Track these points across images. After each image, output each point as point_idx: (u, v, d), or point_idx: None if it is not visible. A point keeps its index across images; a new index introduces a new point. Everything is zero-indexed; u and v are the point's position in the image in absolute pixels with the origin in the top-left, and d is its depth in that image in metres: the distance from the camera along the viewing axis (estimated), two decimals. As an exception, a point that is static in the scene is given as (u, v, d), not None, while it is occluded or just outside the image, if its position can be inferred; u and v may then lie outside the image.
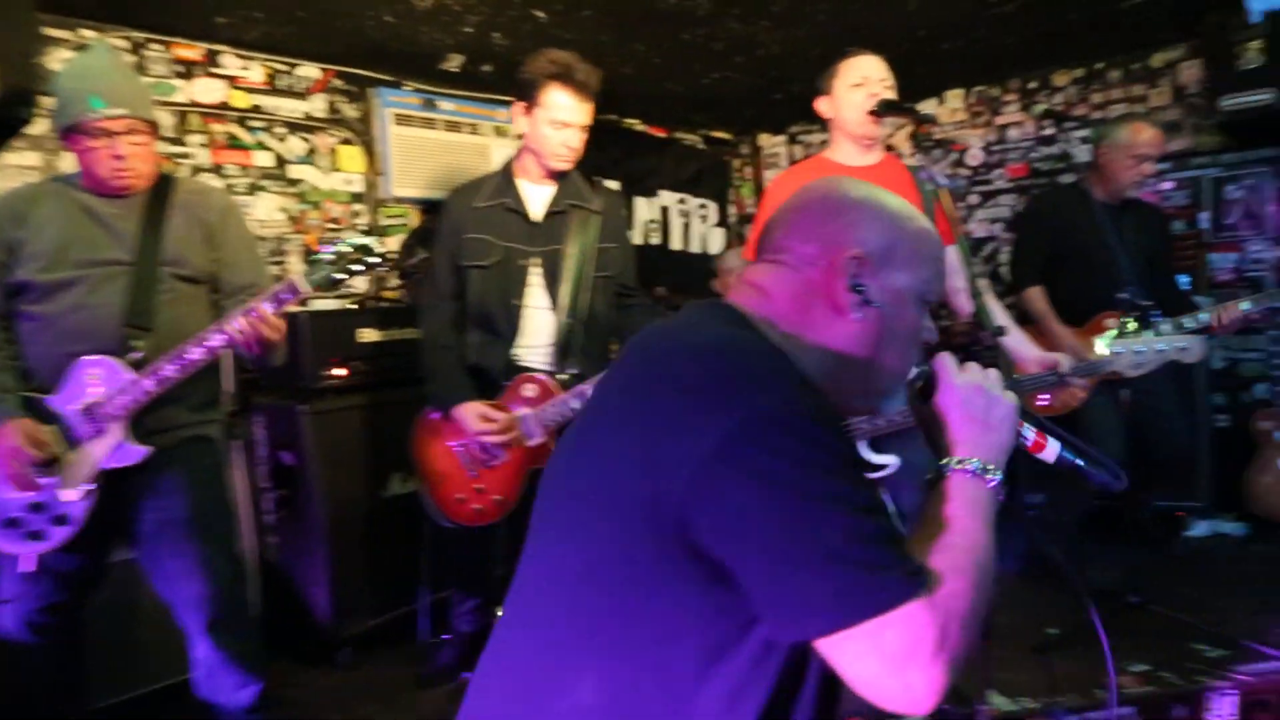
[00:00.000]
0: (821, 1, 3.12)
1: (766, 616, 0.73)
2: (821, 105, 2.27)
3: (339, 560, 2.72)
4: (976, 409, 0.87)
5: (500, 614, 0.94)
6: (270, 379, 2.86)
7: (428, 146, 3.72)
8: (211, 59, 3.19)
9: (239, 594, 2.01)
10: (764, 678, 0.76)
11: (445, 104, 3.80)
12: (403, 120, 3.66)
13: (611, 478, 0.78)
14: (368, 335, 2.89)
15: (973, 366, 0.92)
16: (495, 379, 2.32)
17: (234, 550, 2.01)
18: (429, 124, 3.74)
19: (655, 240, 4.83)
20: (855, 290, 0.87)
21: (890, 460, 2.07)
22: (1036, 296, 2.87)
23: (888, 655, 0.68)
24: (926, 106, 4.51)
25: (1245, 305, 2.81)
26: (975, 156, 4.38)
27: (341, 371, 2.80)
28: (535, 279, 2.32)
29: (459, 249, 2.31)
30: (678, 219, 4.95)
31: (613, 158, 4.61)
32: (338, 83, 3.52)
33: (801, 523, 0.70)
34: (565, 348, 2.30)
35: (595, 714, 0.77)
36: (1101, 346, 2.02)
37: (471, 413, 2.26)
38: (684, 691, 0.75)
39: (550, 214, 2.34)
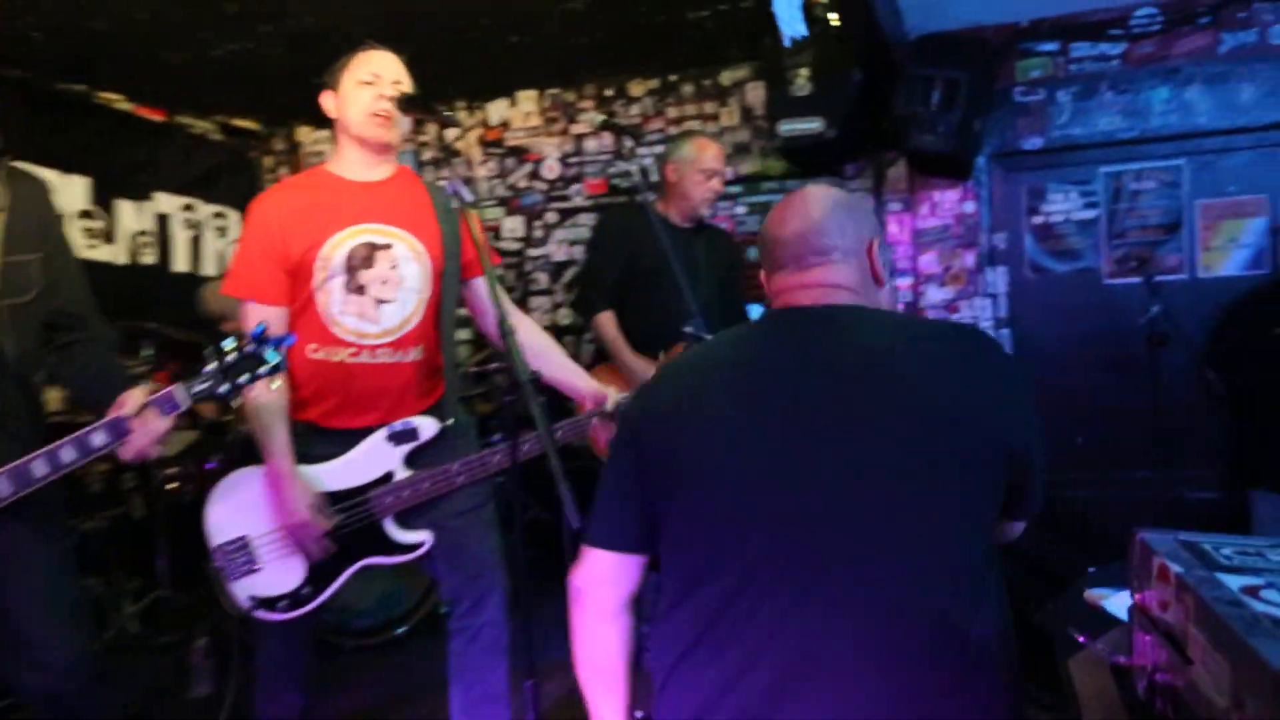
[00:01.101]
0: (358, -32, 2.86)
1: (1029, 503, 1.21)
2: (327, 102, 2.13)
3: None
4: None
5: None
6: None
7: None
8: None
9: None
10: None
11: None
12: None
13: (936, 437, 1.11)
14: None
15: None
16: None
17: None
18: None
19: (149, 259, 4.12)
20: (885, 266, 1.27)
21: (423, 536, 2.07)
22: (606, 323, 2.96)
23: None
24: (497, 107, 4.43)
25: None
26: (552, 168, 4.38)
27: None
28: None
29: None
30: (183, 231, 4.31)
31: (80, 144, 3.82)
32: None
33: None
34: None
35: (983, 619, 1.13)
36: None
37: None
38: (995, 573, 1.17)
39: None
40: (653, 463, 1.20)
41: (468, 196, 1.84)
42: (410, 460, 2.13)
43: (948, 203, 3.81)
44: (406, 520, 2.06)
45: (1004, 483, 1.14)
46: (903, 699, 1.06)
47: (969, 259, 3.81)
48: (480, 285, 2.28)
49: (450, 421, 2.19)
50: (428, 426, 2.17)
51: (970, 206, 3.79)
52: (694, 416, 1.20)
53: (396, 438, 2.15)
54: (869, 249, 1.27)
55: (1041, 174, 3.74)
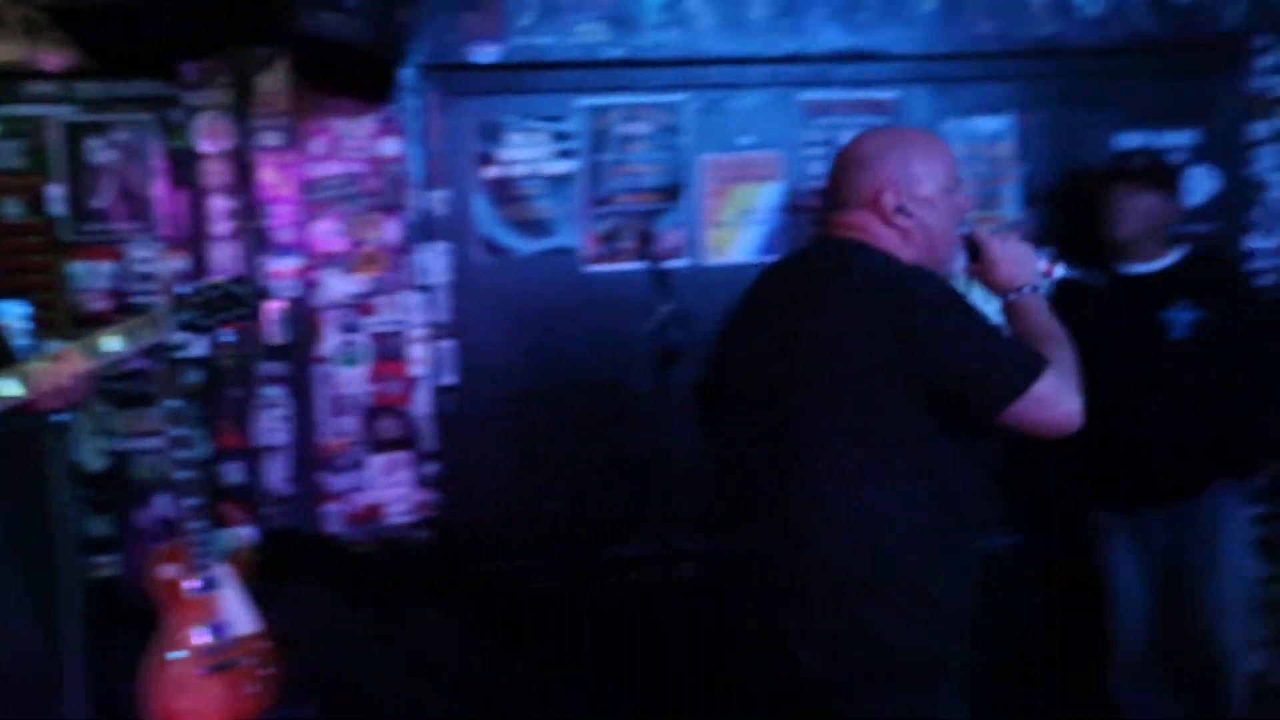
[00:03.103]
0: None
1: (974, 406, 1.85)
2: None
3: None
4: (1011, 253, 2.05)
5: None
6: None
7: None
8: None
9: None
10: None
11: None
12: None
13: (858, 358, 1.86)
14: None
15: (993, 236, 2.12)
16: None
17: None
18: None
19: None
20: (898, 211, 1.97)
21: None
22: None
23: (1047, 403, 1.82)
24: None
25: (135, 338, 2.27)
26: None
27: None
28: None
29: None
30: None
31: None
32: None
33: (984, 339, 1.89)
34: None
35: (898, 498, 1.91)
36: None
37: None
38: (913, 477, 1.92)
39: None
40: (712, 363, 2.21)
41: None
42: None
43: (357, 139, 3.22)
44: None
45: (915, 401, 1.84)
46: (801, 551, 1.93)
47: (391, 230, 3.23)
48: None
49: None
50: None
51: (392, 146, 3.21)
52: (725, 330, 2.18)
53: None
54: (875, 199, 1.98)
55: (498, 101, 3.27)
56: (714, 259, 3.37)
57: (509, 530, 3.35)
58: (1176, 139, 3.53)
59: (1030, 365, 1.81)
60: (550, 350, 3.32)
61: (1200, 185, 3.53)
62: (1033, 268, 2.05)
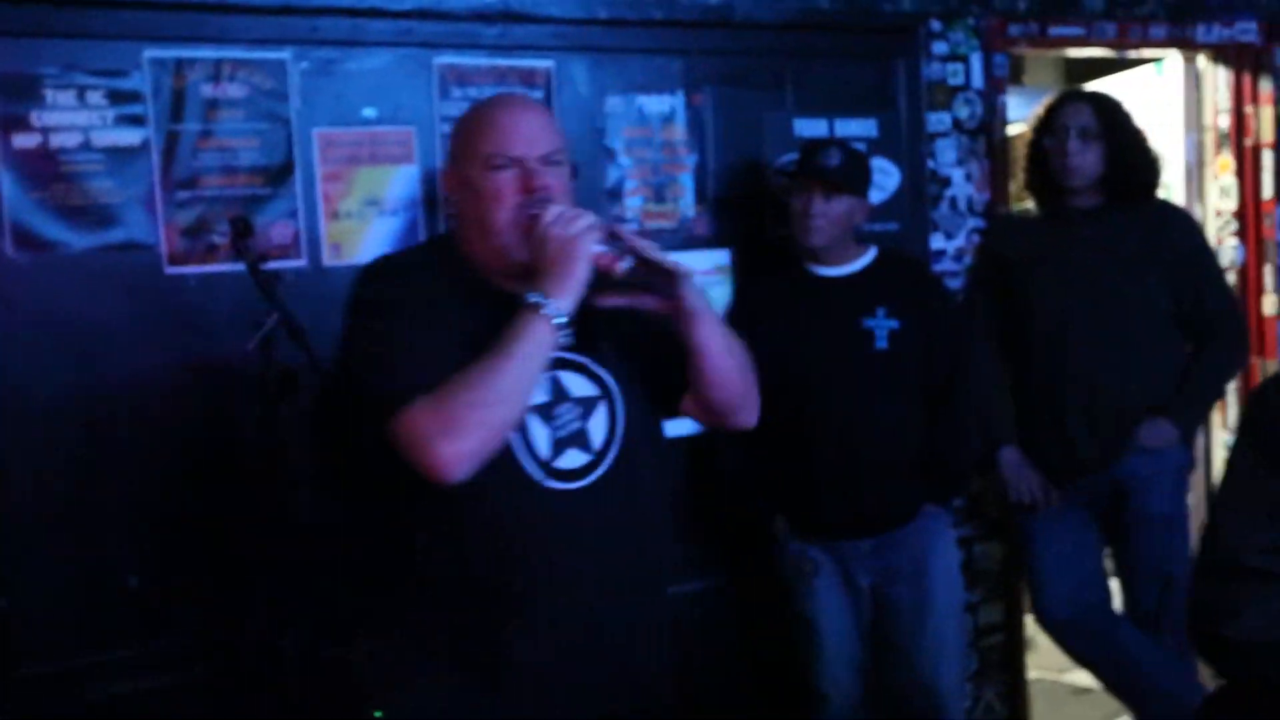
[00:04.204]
0: None
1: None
2: None
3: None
4: (541, 245, 1.67)
5: None
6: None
7: None
8: None
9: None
10: None
11: None
12: None
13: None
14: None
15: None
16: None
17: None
18: None
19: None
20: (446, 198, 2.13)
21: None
22: None
23: (410, 441, 1.63)
24: None
25: None
26: None
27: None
28: None
29: None
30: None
31: None
32: None
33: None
34: None
35: None
36: None
37: None
38: None
39: None
40: None
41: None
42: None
43: None
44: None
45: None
46: None
47: None
48: None
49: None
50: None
51: None
52: None
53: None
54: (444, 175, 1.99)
55: (31, 46, 2.61)
56: (335, 259, 2.84)
57: (68, 618, 2.72)
58: (854, 128, 3.32)
59: (391, 394, 1.66)
60: (118, 378, 2.71)
61: (881, 180, 3.31)
62: (562, 272, 1.63)
